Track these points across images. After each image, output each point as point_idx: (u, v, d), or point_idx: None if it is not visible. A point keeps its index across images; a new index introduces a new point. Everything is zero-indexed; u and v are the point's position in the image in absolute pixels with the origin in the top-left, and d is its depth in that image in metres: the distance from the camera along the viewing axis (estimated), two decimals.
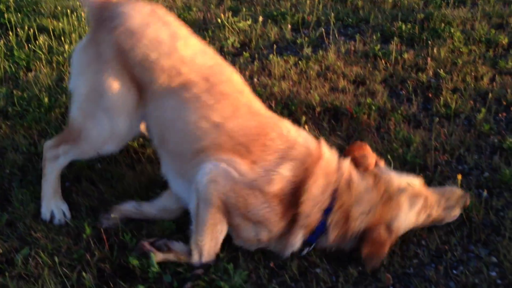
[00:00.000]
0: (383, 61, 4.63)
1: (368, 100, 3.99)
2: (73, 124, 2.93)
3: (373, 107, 3.91)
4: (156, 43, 2.78)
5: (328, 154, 2.73)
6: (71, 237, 2.82)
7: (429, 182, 3.11)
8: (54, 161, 2.98)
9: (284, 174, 2.58)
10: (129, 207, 2.92)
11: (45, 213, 2.96)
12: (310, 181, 2.59)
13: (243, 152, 2.60)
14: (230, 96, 2.75)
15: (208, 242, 2.64)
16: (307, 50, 4.86)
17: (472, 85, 4.22)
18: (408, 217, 2.69)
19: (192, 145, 2.68)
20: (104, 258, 2.67)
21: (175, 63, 2.76)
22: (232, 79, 2.85)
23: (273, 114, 2.87)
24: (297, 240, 2.66)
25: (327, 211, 2.62)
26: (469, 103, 3.96)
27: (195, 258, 2.66)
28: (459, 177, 2.97)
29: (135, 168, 3.32)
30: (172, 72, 2.74)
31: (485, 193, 3.03)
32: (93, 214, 2.97)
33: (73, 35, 5.03)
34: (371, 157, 2.80)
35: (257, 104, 2.84)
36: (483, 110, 3.80)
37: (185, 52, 2.80)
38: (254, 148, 2.61)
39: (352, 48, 4.89)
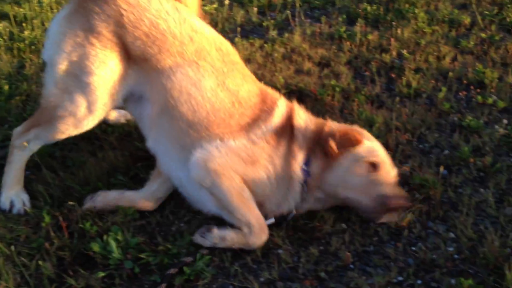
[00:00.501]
0: (348, 42, 4.65)
1: (333, 81, 4.01)
2: (48, 101, 2.82)
3: (337, 89, 3.92)
4: (164, 13, 2.78)
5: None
6: (30, 226, 2.79)
7: None
8: (23, 148, 2.88)
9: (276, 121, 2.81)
10: (113, 194, 2.90)
11: (4, 202, 2.92)
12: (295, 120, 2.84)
13: (249, 117, 2.78)
14: (239, 65, 2.92)
15: (247, 211, 2.65)
16: (273, 33, 4.84)
17: (434, 64, 4.27)
18: None
19: (206, 113, 2.75)
20: (63, 246, 2.64)
21: (188, 30, 2.80)
22: (233, 50, 3.00)
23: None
24: (298, 163, 2.76)
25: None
26: (431, 83, 4.00)
27: (248, 235, 2.63)
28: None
29: (96, 155, 3.29)
30: (185, 39, 2.77)
31: (441, 169, 3.08)
32: (53, 202, 2.94)
33: (35, 21, 4.92)
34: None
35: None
36: (444, 89, 3.85)
37: (193, 21, 2.86)
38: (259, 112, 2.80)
39: (318, 30, 4.90)
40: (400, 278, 2.52)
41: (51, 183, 3.04)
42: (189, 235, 2.73)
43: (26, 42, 4.57)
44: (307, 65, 4.31)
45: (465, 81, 4.05)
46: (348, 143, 2.73)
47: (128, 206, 2.86)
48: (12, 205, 2.91)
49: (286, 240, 2.75)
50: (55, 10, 5.11)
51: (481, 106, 3.75)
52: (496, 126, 3.51)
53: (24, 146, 2.88)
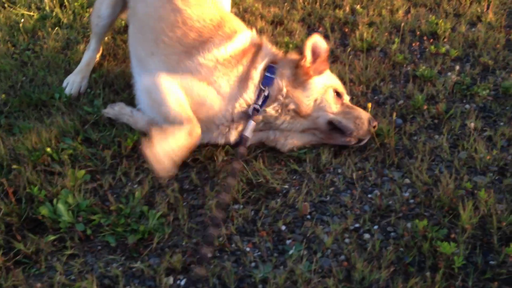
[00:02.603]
0: (301, 0, 4.58)
1: (286, 39, 3.95)
2: None
3: (291, 46, 3.87)
4: None
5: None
6: None
7: None
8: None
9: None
10: (127, 110, 3.11)
11: None
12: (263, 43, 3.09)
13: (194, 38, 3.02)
14: None
15: (181, 116, 2.78)
16: None
17: (388, 18, 4.24)
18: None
19: (162, 29, 3.06)
20: (11, 212, 2.55)
21: None
22: None
23: None
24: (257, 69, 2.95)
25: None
26: (384, 36, 3.98)
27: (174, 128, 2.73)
28: (369, 105, 3.00)
29: (44, 122, 3.18)
30: None
31: (394, 116, 3.07)
32: (1, 170, 2.83)
33: None
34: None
35: None
36: (397, 40, 3.83)
37: None
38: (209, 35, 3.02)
39: None
40: (357, 225, 2.50)
41: None
42: (141, 195, 2.66)
43: None
44: (260, 23, 4.24)
45: (418, 33, 4.04)
46: (323, 67, 3.01)
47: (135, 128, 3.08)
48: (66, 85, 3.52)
49: (244, 195, 2.71)
50: None
51: (435, 56, 3.75)
52: (449, 74, 3.51)
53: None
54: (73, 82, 3.49)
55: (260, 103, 2.86)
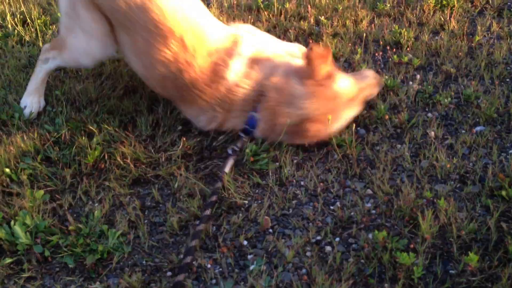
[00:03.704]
0: (266, 13, 4.59)
1: None
2: (60, 33, 3.35)
3: None
4: None
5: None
6: None
7: None
8: (45, 62, 3.43)
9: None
10: None
11: (22, 103, 3.45)
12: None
13: None
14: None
15: None
16: None
17: (352, 29, 4.26)
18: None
19: None
20: None
21: None
22: None
23: None
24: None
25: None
26: (348, 46, 3.99)
27: None
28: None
29: (3, 141, 3.12)
30: None
31: (353, 127, 3.08)
32: None
33: None
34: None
35: None
36: (359, 51, 3.85)
37: None
38: None
39: (235, 2, 4.82)
40: (319, 238, 2.49)
41: None
42: (101, 213, 2.63)
43: None
44: None
45: (381, 42, 4.06)
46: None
47: None
48: (25, 107, 3.42)
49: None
50: None
51: (397, 65, 3.77)
52: (411, 83, 3.53)
53: (46, 60, 3.43)
54: (32, 103, 3.43)
55: None
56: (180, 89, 3.04)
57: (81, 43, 3.21)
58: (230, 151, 2.95)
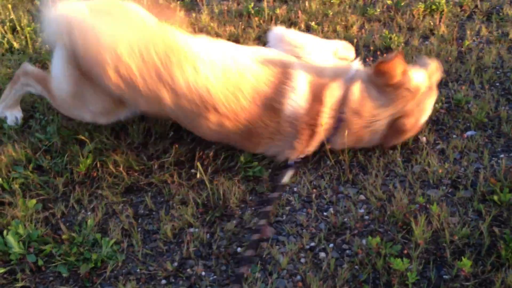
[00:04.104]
0: (256, 18, 4.61)
1: None
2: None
3: None
4: None
5: None
6: None
7: None
8: (26, 86, 3.29)
9: None
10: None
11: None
12: None
13: None
14: None
15: None
16: (180, 14, 4.74)
17: (342, 34, 4.28)
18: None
19: None
20: None
21: None
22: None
23: None
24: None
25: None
26: None
27: None
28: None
29: None
30: None
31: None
32: None
33: None
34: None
35: None
36: None
37: None
38: None
39: (226, 8, 4.83)
40: (312, 244, 2.50)
41: None
42: (94, 222, 2.62)
43: None
44: None
45: (372, 47, 4.09)
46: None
47: None
48: (6, 118, 3.41)
49: (199, 218, 2.68)
50: None
51: None
52: None
53: (27, 85, 3.28)
54: (12, 114, 3.39)
55: None
56: (247, 138, 2.96)
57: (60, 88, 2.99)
58: (291, 162, 2.96)
